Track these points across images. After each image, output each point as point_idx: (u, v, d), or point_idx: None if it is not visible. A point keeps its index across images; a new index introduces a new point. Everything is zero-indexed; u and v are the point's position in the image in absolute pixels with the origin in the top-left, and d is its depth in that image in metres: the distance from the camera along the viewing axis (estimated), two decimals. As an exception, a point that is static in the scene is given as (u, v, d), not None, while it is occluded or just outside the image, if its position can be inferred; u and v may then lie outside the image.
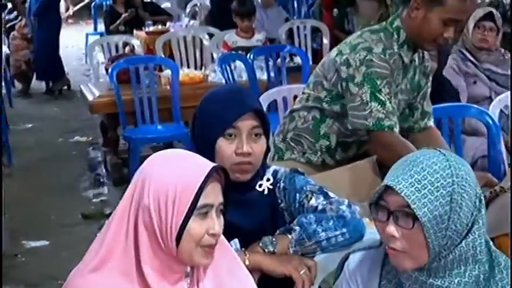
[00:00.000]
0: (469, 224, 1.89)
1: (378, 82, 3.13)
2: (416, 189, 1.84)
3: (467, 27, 4.97)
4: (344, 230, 2.39)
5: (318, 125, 3.33)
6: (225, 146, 2.33)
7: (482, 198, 1.94)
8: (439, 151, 1.93)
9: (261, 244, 2.34)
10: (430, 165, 1.87)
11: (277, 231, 2.39)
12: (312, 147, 3.35)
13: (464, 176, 1.88)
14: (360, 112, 3.15)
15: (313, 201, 2.45)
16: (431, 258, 1.89)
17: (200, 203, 1.88)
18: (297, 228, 2.37)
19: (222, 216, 1.96)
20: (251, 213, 2.42)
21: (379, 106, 3.12)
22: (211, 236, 1.91)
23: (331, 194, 2.49)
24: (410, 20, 3.18)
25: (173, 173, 1.89)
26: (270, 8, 9.30)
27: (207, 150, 2.24)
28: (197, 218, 1.88)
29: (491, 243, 2.01)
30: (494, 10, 5.08)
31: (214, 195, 1.92)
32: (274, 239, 2.35)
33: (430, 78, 3.48)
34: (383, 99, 3.12)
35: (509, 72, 4.93)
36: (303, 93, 3.43)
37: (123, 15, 9.67)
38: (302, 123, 3.36)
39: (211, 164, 1.92)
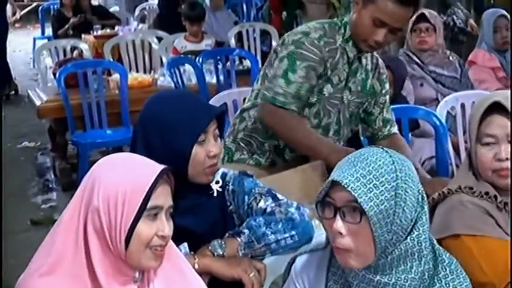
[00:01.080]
0: (413, 220, 1.93)
1: (298, 63, 3.16)
2: (362, 183, 1.87)
3: (407, 33, 5.05)
4: (293, 232, 2.41)
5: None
6: (200, 152, 2.36)
7: (425, 195, 1.98)
8: (382, 148, 1.97)
9: (210, 247, 2.35)
10: (374, 161, 1.91)
11: (227, 234, 2.40)
12: (261, 147, 3.37)
13: (407, 171, 1.92)
14: (267, 83, 3.22)
15: (261, 204, 2.47)
16: (378, 255, 1.91)
17: (150, 204, 1.89)
18: (246, 231, 2.38)
19: (171, 219, 1.97)
20: (202, 216, 2.43)
21: (284, 84, 3.16)
22: (161, 238, 1.93)
23: (279, 196, 2.51)
24: (352, 15, 3.22)
25: (123, 175, 1.90)
26: (219, 11, 9.31)
27: (173, 159, 2.21)
28: (146, 220, 1.90)
29: (434, 241, 2.04)
30: (426, 11, 5.13)
31: (164, 197, 1.94)
32: (223, 242, 2.36)
33: (387, 86, 3.50)
34: (293, 80, 3.16)
35: (454, 74, 5.00)
36: (253, 90, 3.46)
37: (72, 20, 9.60)
38: (252, 123, 3.37)
39: (160, 166, 1.94)
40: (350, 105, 3.37)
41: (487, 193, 2.37)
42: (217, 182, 2.50)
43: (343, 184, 1.88)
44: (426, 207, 1.97)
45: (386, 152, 1.95)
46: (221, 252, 2.34)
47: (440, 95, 4.84)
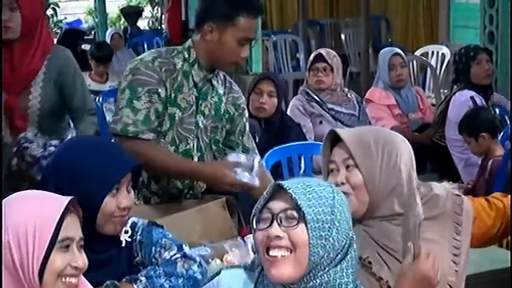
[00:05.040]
0: (345, 247, 1.98)
1: (139, 89, 3.16)
2: (303, 192, 1.94)
3: (306, 71, 5.14)
4: None
5: None
6: (111, 203, 2.34)
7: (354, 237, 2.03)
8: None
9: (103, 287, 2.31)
10: (315, 181, 2.02)
11: (124, 279, 2.36)
12: None
13: (343, 199, 2.02)
14: (113, 117, 3.20)
15: (165, 254, 2.45)
16: (308, 274, 1.95)
17: (61, 236, 1.88)
18: (144, 279, 2.35)
19: (83, 252, 1.96)
20: (110, 270, 2.38)
21: (132, 113, 3.15)
22: (74, 269, 1.91)
23: (186, 249, 2.49)
24: (205, 43, 3.23)
25: (31, 208, 1.90)
26: (119, 50, 9.29)
27: (83, 206, 2.11)
28: (59, 251, 1.89)
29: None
30: (323, 50, 5.24)
31: (74, 228, 1.94)
32: (117, 284, 2.32)
33: (245, 113, 3.50)
34: (138, 107, 3.15)
35: (353, 112, 5.10)
36: None
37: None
38: None
39: (67, 198, 1.94)
40: (207, 130, 3.35)
41: None
42: (126, 232, 2.47)
43: (285, 187, 1.94)
44: (355, 245, 2.03)
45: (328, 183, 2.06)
46: None
47: (339, 132, 4.92)
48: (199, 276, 2.41)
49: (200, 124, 3.30)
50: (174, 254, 2.44)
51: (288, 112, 4.98)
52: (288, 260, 1.95)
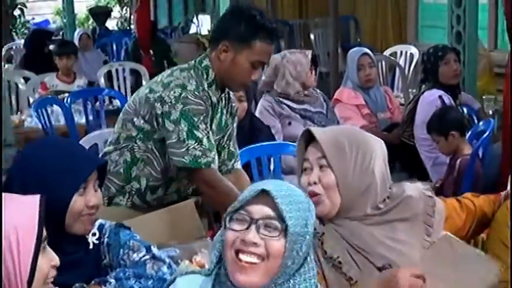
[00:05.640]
0: (305, 257, 1.98)
1: (195, 119, 3.16)
2: (286, 202, 1.93)
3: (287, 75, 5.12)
4: None
5: (129, 167, 3.29)
6: (79, 201, 2.32)
7: None
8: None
9: None
10: (293, 188, 2.01)
11: (92, 282, 2.34)
12: (121, 190, 3.31)
13: (314, 208, 2.02)
14: (177, 150, 3.17)
15: (134, 256, 2.44)
16: (273, 280, 1.94)
17: (43, 236, 1.84)
18: (113, 281, 2.34)
19: None
20: (78, 272, 2.36)
21: (196, 144, 3.15)
22: (54, 268, 1.90)
23: (154, 251, 2.48)
24: (219, 61, 3.24)
25: (7, 217, 1.80)
26: (88, 50, 9.24)
27: (51, 206, 2.04)
28: (42, 255, 1.84)
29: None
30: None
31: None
32: (85, 287, 2.31)
33: (236, 119, 3.56)
34: (200, 136, 3.16)
35: (320, 109, 5.10)
36: (114, 133, 3.41)
37: None
38: (113, 167, 3.31)
39: (36, 197, 1.88)
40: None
41: None
42: (94, 234, 2.45)
43: (272, 195, 1.92)
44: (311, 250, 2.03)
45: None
46: None
47: (308, 131, 4.92)
48: (169, 278, 2.40)
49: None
50: (143, 256, 2.43)
51: (257, 113, 4.97)
52: (258, 268, 1.94)
